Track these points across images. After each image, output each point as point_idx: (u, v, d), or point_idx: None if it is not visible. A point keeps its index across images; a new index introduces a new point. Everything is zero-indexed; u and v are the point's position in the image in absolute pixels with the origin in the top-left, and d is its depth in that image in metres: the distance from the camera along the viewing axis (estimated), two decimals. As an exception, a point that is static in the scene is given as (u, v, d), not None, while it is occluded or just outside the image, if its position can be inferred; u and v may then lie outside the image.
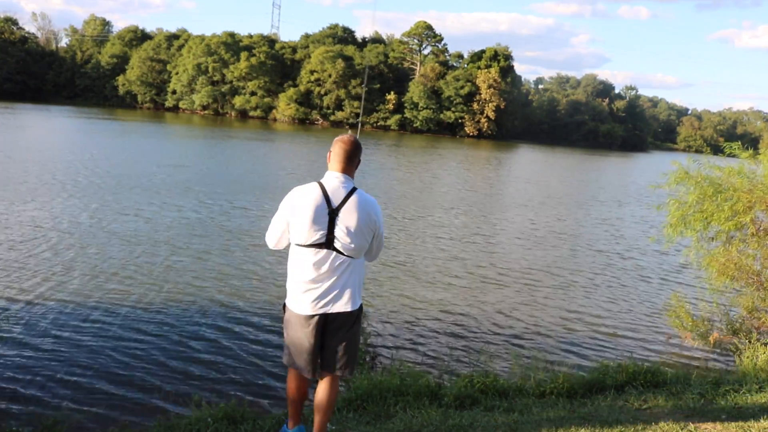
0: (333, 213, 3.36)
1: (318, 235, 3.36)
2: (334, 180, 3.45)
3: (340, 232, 3.37)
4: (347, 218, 3.37)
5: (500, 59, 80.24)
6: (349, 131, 3.68)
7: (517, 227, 18.48)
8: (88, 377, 6.66)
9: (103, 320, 8.28)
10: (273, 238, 3.54)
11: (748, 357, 6.97)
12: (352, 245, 3.39)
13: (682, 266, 13.45)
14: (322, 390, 3.59)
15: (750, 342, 7.44)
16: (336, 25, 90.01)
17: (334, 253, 3.39)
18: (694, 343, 8.66)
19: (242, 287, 10.23)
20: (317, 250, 3.38)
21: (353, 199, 3.41)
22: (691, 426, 4.38)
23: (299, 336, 3.49)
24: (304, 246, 3.40)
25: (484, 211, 21.45)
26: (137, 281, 10.06)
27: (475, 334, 8.97)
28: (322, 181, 3.46)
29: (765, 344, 7.27)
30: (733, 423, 4.48)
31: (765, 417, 4.57)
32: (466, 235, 16.63)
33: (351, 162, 3.51)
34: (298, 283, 3.45)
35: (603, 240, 17.56)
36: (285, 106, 78.60)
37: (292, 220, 3.42)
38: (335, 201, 3.38)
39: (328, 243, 3.37)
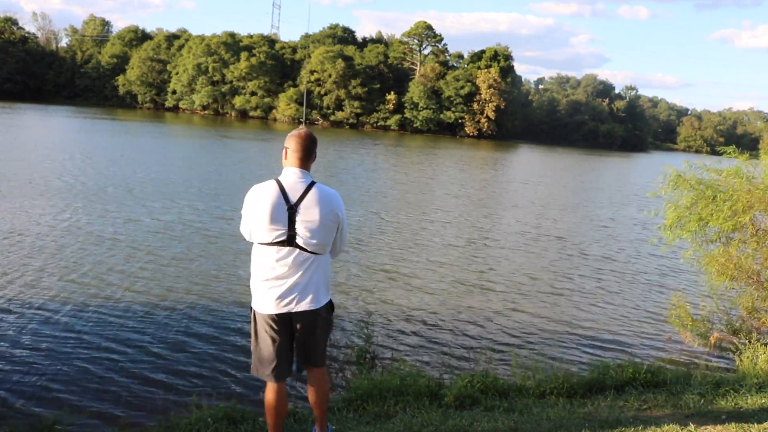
0: (292, 209, 3.31)
1: (278, 233, 3.31)
2: (291, 176, 3.40)
3: (301, 228, 3.31)
4: (307, 214, 3.32)
5: (500, 59, 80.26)
6: (301, 126, 3.63)
7: (516, 228, 18.47)
8: (87, 377, 6.65)
9: (103, 320, 8.28)
10: (245, 232, 3.50)
11: (748, 357, 6.96)
12: (314, 241, 3.33)
13: (681, 268, 13.45)
14: (310, 387, 3.66)
15: (750, 342, 7.42)
16: (336, 25, 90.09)
17: (297, 250, 3.33)
18: (694, 343, 8.67)
19: (241, 287, 10.22)
20: (279, 247, 3.33)
21: (312, 193, 3.35)
22: (691, 426, 4.37)
23: (264, 337, 3.44)
24: (266, 244, 3.36)
25: (485, 212, 21.45)
26: (136, 281, 10.05)
27: (474, 334, 8.97)
28: (279, 178, 3.42)
29: (765, 344, 7.26)
30: (733, 423, 4.47)
31: (765, 417, 4.57)
32: (465, 236, 16.63)
33: (308, 157, 3.47)
34: (262, 282, 3.40)
35: (602, 242, 17.56)
36: (285, 106, 78.60)
37: (251, 220, 3.38)
38: (293, 197, 3.33)
39: (289, 240, 3.32)
